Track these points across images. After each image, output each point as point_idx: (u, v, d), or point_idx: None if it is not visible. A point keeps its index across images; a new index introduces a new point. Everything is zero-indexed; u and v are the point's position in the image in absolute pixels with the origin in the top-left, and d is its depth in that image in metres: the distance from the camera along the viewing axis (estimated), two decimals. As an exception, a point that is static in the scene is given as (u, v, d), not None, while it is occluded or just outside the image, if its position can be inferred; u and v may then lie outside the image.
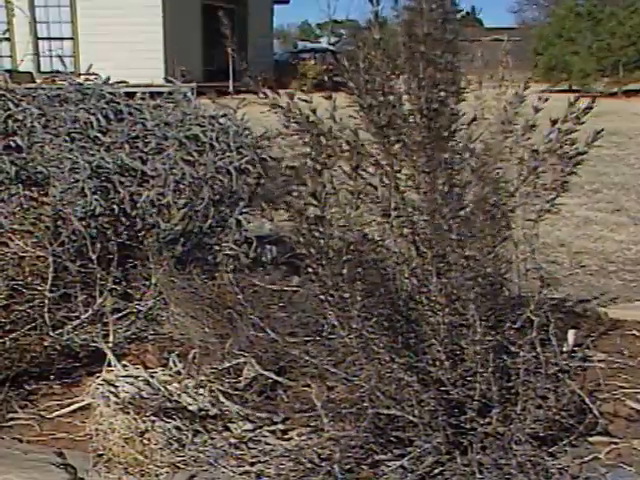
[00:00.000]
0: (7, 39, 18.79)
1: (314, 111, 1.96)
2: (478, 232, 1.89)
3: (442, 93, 1.92)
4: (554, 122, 2.21)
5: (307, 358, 2.10)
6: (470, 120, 2.00)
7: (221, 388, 2.65)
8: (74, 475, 1.70)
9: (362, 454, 2.14)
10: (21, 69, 18.59)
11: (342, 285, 1.80)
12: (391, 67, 2.00)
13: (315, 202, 1.76)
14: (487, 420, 2.02)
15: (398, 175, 2.01)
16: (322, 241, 1.77)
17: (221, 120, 3.65)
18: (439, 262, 1.91)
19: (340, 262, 1.78)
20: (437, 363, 1.95)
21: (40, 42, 21.48)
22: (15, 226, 3.19)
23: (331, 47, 28.83)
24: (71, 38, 21.34)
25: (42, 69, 20.45)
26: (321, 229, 1.77)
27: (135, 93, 4.17)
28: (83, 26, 20.74)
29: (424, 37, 1.83)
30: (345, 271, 1.78)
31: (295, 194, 1.84)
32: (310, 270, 1.84)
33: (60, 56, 16.45)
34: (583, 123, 2.19)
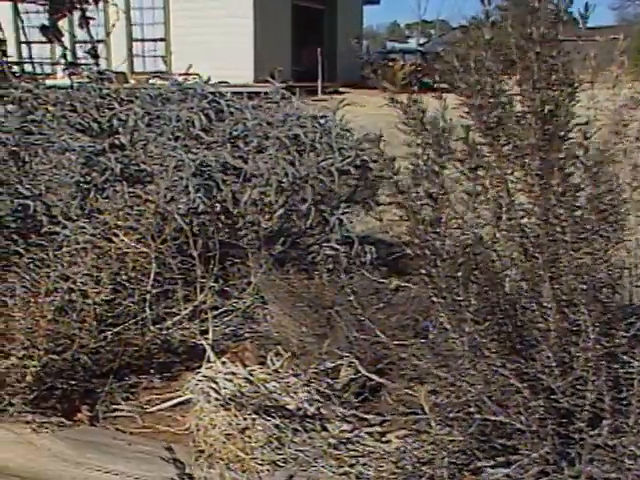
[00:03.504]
0: (103, 41, 19.34)
1: (424, 111, 1.94)
2: (591, 235, 1.84)
3: (556, 94, 1.88)
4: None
5: (415, 361, 2.08)
6: (584, 122, 1.94)
7: (319, 388, 2.66)
8: (182, 470, 1.73)
9: (464, 460, 2.11)
10: (115, 70, 19.08)
11: (455, 288, 1.78)
12: (502, 68, 1.97)
13: (431, 203, 1.75)
14: (597, 431, 1.96)
15: (507, 177, 1.98)
16: (437, 243, 1.76)
17: (321, 121, 3.66)
18: (551, 267, 1.87)
19: (455, 264, 1.76)
20: (546, 370, 1.90)
21: (134, 43, 22.06)
22: (119, 222, 3.27)
23: (420, 48, 28.57)
24: (163, 39, 21.84)
25: (135, 69, 21.01)
26: (437, 230, 1.76)
27: (236, 93, 4.23)
28: (175, 27, 21.20)
29: (539, 37, 1.79)
30: (460, 273, 1.76)
31: (410, 195, 1.83)
32: (423, 271, 1.83)
33: (162, 57, 16.86)
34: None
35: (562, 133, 1.79)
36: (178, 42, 20.42)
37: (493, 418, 1.93)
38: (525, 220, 1.96)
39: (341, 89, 18.90)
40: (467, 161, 1.86)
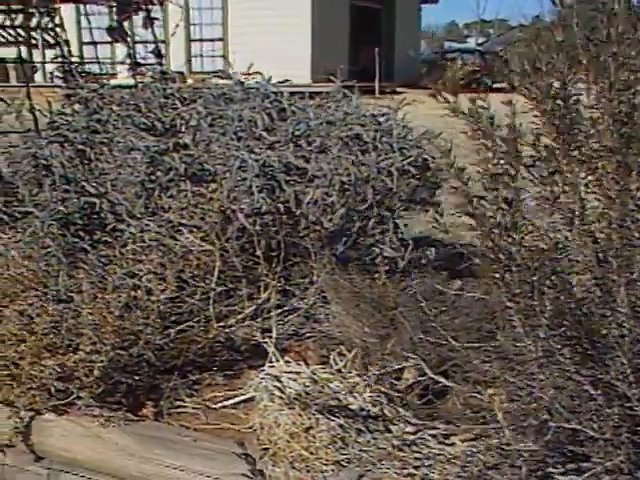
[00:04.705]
0: (164, 41, 19.59)
1: (492, 117, 1.91)
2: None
3: (634, 96, 1.84)
4: None
5: (485, 365, 2.05)
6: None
7: (382, 389, 2.65)
8: (253, 465, 1.74)
9: (533, 466, 2.08)
10: (174, 69, 19.26)
11: (530, 293, 1.76)
12: (574, 70, 1.93)
13: (506, 208, 1.73)
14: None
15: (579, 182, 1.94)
16: (513, 248, 1.74)
17: (381, 119, 3.65)
18: (626, 271, 1.83)
19: (530, 269, 1.73)
20: (621, 377, 1.86)
21: (192, 43, 22.33)
22: (184, 221, 3.31)
23: (479, 47, 28.30)
24: (221, 39, 22.07)
25: (193, 69, 21.24)
26: (512, 235, 1.74)
27: (296, 92, 4.24)
28: (233, 27, 21.39)
29: (617, 37, 1.76)
30: (535, 278, 1.74)
31: (485, 200, 1.81)
32: (497, 276, 1.81)
33: (223, 56, 17.03)
34: None
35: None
36: (236, 42, 20.60)
37: (565, 425, 1.89)
38: (597, 225, 1.92)
39: (398, 89, 18.84)
40: (538, 166, 1.83)
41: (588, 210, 1.93)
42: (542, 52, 1.89)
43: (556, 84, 1.87)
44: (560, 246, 1.89)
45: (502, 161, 1.82)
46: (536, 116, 1.91)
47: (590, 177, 1.87)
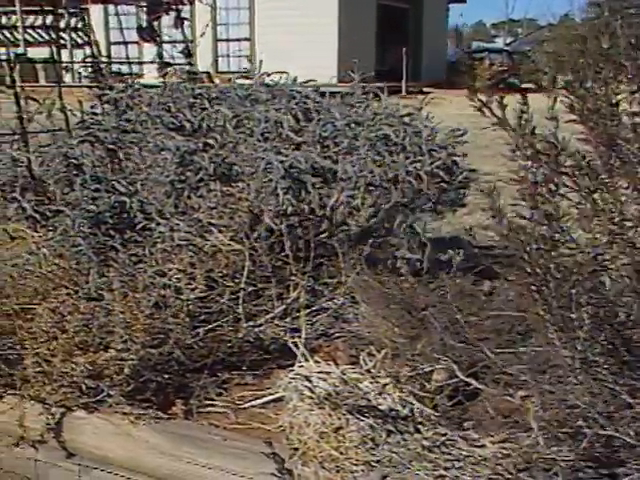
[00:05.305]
0: (192, 41, 19.68)
1: (534, 129, 1.88)
2: None
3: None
4: None
5: (519, 368, 2.03)
6: None
7: (412, 390, 2.63)
8: (282, 465, 1.73)
9: (565, 470, 2.06)
10: (201, 69, 19.34)
11: (569, 307, 1.73)
12: (619, 77, 1.90)
13: (548, 222, 1.70)
14: None
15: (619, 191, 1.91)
16: (551, 265, 1.71)
17: (406, 119, 3.63)
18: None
19: (570, 282, 1.70)
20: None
21: (219, 43, 22.39)
22: (213, 220, 3.32)
23: (506, 47, 28.05)
24: (248, 39, 22.10)
25: (219, 69, 21.30)
26: (551, 249, 1.71)
27: (323, 92, 4.22)
28: (260, 27, 21.41)
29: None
30: (574, 292, 1.71)
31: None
32: (534, 289, 1.78)
33: (248, 56, 17.07)
34: None
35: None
36: (262, 42, 20.62)
37: (602, 432, 1.86)
38: (637, 236, 1.89)
39: (425, 89, 18.76)
40: (579, 178, 1.80)
41: (628, 221, 1.90)
42: (590, 60, 1.85)
43: (598, 91, 1.84)
44: (599, 258, 1.85)
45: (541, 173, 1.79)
46: (572, 121, 1.87)
47: (631, 187, 1.84)
